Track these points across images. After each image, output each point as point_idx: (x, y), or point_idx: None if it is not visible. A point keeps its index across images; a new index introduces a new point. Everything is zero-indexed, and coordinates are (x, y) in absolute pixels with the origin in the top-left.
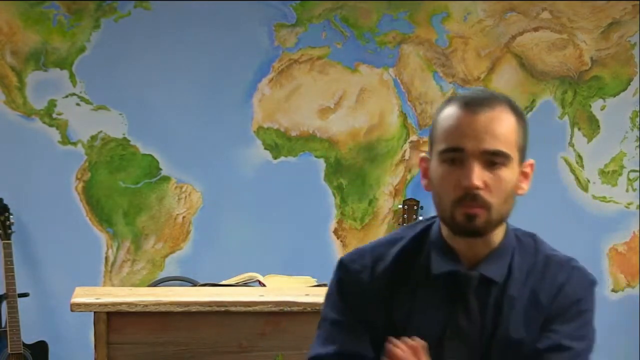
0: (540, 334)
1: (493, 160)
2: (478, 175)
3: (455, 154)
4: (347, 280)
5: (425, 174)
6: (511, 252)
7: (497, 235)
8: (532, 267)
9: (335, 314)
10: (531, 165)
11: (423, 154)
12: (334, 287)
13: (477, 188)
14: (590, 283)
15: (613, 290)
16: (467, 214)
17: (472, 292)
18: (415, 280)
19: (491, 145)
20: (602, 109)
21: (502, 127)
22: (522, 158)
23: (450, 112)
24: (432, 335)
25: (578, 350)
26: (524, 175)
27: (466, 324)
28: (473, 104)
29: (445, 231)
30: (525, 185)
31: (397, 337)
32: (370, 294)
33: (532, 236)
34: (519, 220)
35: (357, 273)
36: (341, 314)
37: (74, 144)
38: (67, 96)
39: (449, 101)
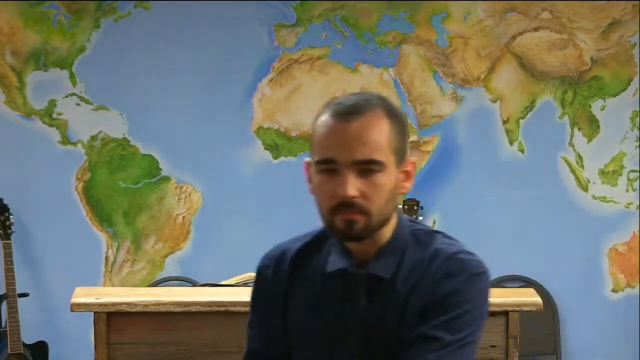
0: (414, 325)
1: (367, 168)
2: (352, 185)
3: (329, 165)
4: (257, 277)
5: (309, 178)
6: (402, 249)
7: (385, 233)
8: (420, 261)
9: (250, 313)
10: (412, 163)
11: (307, 159)
12: (252, 294)
13: (353, 197)
14: (473, 274)
15: (613, 290)
16: (345, 220)
17: (362, 290)
18: (311, 278)
19: (363, 154)
20: (602, 109)
21: (374, 134)
22: (400, 159)
23: (323, 121)
24: (324, 333)
25: (447, 341)
26: (406, 174)
27: (356, 321)
28: (344, 113)
29: None
30: (408, 184)
31: (292, 335)
32: (272, 290)
33: (433, 233)
34: (520, 219)
35: (264, 268)
36: (252, 312)
37: (74, 144)
38: (67, 96)
39: (325, 107)
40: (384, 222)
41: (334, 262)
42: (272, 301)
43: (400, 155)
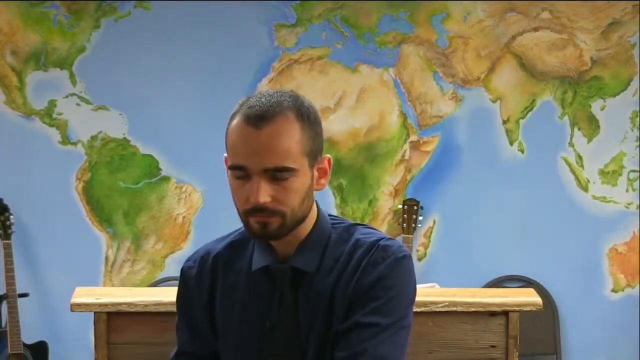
0: (346, 316)
1: (278, 175)
2: (264, 192)
3: (241, 172)
4: (180, 279)
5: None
6: (324, 243)
7: (304, 229)
8: (342, 254)
9: (177, 315)
10: (328, 160)
11: (226, 154)
12: (178, 295)
13: (265, 203)
14: (394, 260)
15: (613, 290)
16: (259, 222)
17: (287, 285)
18: (237, 277)
19: (273, 162)
20: (602, 109)
21: (284, 141)
22: (314, 159)
23: (235, 125)
24: (253, 330)
25: (383, 325)
26: (322, 171)
27: (283, 317)
28: (254, 118)
29: None
30: (323, 181)
31: (220, 335)
32: (196, 291)
33: (353, 225)
34: (520, 219)
35: (187, 270)
36: (178, 314)
37: (74, 144)
38: (67, 96)
39: (239, 107)
40: (300, 221)
41: (258, 259)
42: (196, 302)
43: (314, 155)
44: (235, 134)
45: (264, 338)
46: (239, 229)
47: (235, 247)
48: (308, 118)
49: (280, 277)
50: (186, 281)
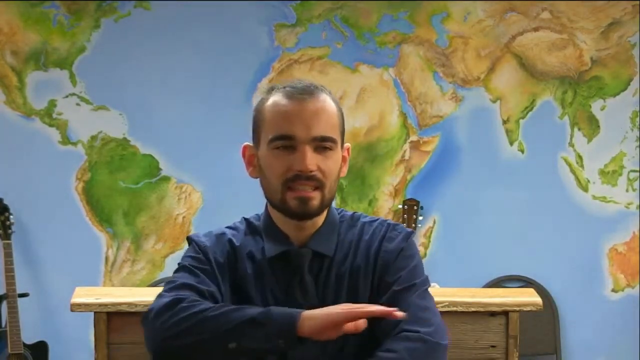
0: (379, 290)
1: (323, 145)
2: (311, 159)
3: (287, 141)
4: (195, 247)
5: (250, 161)
6: (337, 229)
7: (322, 215)
8: (353, 237)
9: (185, 273)
10: (348, 149)
11: (246, 143)
12: (188, 258)
13: (311, 171)
14: (406, 234)
15: (613, 290)
16: (300, 197)
17: (306, 269)
18: (255, 264)
19: (321, 131)
20: (602, 109)
21: (328, 114)
22: (342, 141)
23: (276, 103)
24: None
25: (418, 284)
26: (344, 158)
27: (303, 300)
28: (298, 94)
29: (275, 216)
30: (345, 169)
31: None
32: (214, 260)
33: (355, 214)
34: (520, 219)
35: (206, 248)
36: (195, 268)
37: (74, 144)
38: (67, 96)
39: (269, 92)
40: (329, 202)
41: (272, 247)
42: (220, 277)
43: (343, 137)
44: (277, 109)
45: None
46: (233, 225)
47: (246, 234)
48: (338, 103)
49: (300, 262)
50: (204, 251)
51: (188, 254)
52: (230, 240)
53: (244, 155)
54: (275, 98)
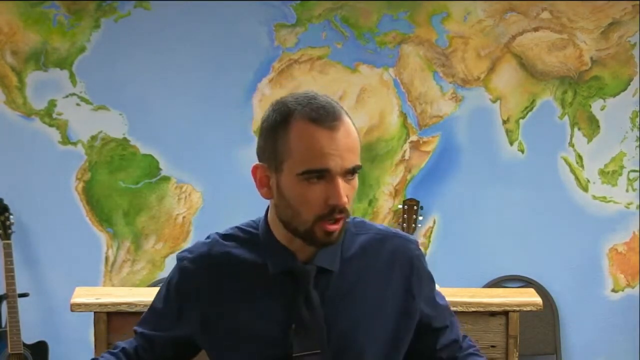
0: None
1: (351, 174)
2: (343, 192)
3: (318, 174)
4: (179, 271)
5: (264, 183)
6: (340, 242)
7: None
8: (357, 249)
9: (157, 299)
10: None
11: (257, 163)
12: (167, 280)
13: (344, 204)
14: (419, 249)
15: (613, 290)
16: (326, 231)
17: (312, 285)
18: (250, 281)
19: (353, 162)
20: (602, 109)
21: (355, 139)
22: None
23: (304, 131)
24: (277, 332)
25: (446, 304)
26: None
27: (309, 317)
28: (325, 120)
29: (280, 233)
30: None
31: (240, 336)
32: (193, 287)
33: (354, 220)
34: (520, 219)
35: (187, 266)
36: (162, 300)
37: (74, 144)
38: (67, 96)
39: (289, 114)
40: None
41: (276, 263)
42: (199, 302)
43: None
44: (309, 139)
45: (293, 339)
46: (235, 227)
47: (243, 247)
48: (352, 119)
49: (306, 278)
50: (185, 275)
51: (167, 278)
52: (226, 253)
53: (254, 175)
54: (301, 124)
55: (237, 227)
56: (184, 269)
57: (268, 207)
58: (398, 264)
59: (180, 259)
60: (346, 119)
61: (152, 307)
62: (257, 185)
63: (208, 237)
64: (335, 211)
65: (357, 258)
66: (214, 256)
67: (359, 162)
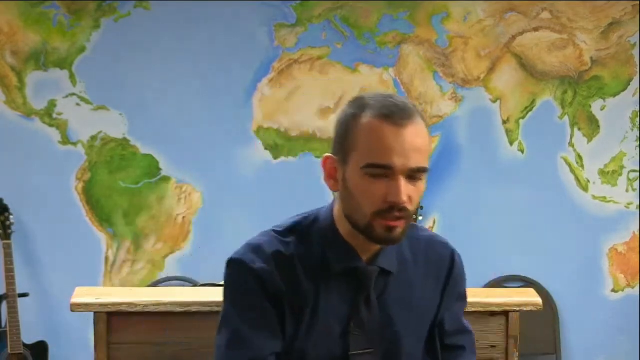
0: (444, 310)
1: (416, 175)
2: (405, 191)
3: (382, 170)
4: (250, 277)
5: (332, 174)
6: (399, 244)
7: None
8: (409, 252)
9: (240, 316)
10: None
11: (327, 154)
12: (235, 286)
13: (404, 203)
14: (458, 255)
15: (613, 291)
16: (387, 226)
17: (372, 285)
18: (315, 278)
19: (418, 163)
20: (602, 109)
21: (424, 141)
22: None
23: (372, 125)
24: (337, 330)
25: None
26: None
27: (368, 316)
28: (396, 118)
29: (345, 230)
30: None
31: (302, 334)
32: (271, 289)
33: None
34: (519, 219)
35: (261, 269)
36: (250, 317)
37: (74, 144)
38: (67, 96)
39: (361, 108)
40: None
41: (339, 260)
42: (272, 300)
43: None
44: (376, 133)
45: (350, 337)
46: (286, 223)
47: (299, 245)
48: (426, 122)
49: (368, 279)
50: (262, 280)
51: (238, 287)
52: (287, 256)
53: (324, 166)
54: (371, 118)
55: (293, 222)
56: (261, 272)
57: (333, 201)
58: (443, 274)
59: (247, 262)
60: (418, 120)
61: (238, 329)
62: (325, 177)
63: (263, 234)
64: (394, 209)
65: (411, 262)
66: (281, 254)
67: (425, 165)
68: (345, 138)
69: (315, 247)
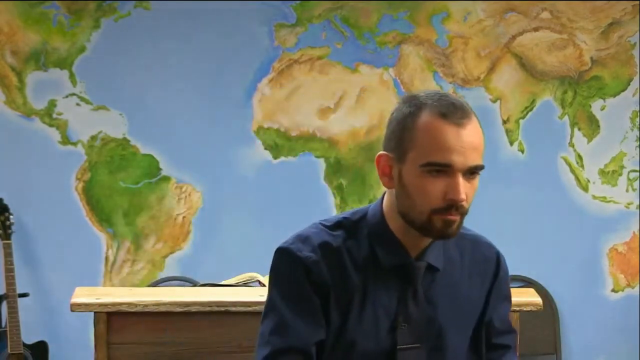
0: (491, 309)
1: (473, 173)
2: (463, 189)
3: (441, 168)
4: (299, 266)
5: (386, 172)
6: (443, 241)
7: None
8: (455, 250)
9: (285, 306)
10: None
11: (381, 152)
12: (281, 274)
13: (462, 201)
14: (502, 256)
15: (613, 291)
16: (446, 220)
17: (420, 281)
18: (363, 271)
19: (476, 161)
20: (602, 109)
21: (480, 139)
22: None
23: (431, 124)
24: (385, 324)
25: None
26: None
27: (415, 311)
28: (455, 117)
29: (396, 225)
30: None
31: (351, 326)
32: (318, 279)
33: None
34: (519, 219)
35: (308, 258)
36: (296, 302)
37: (74, 144)
38: (67, 96)
39: (418, 106)
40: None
41: (388, 256)
42: (318, 292)
43: None
44: (435, 132)
45: (397, 331)
46: (339, 216)
47: (347, 239)
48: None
49: (417, 274)
50: (308, 269)
51: (284, 276)
52: (335, 247)
53: (378, 164)
54: (429, 117)
55: (342, 217)
56: (308, 261)
57: (382, 198)
58: (489, 275)
59: (295, 251)
60: (474, 119)
61: (282, 317)
62: (380, 174)
63: (312, 226)
64: (452, 207)
65: (457, 260)
66: (329, 245)
67: (481, 163)
68: (402, 136)
69: (363, 241)
